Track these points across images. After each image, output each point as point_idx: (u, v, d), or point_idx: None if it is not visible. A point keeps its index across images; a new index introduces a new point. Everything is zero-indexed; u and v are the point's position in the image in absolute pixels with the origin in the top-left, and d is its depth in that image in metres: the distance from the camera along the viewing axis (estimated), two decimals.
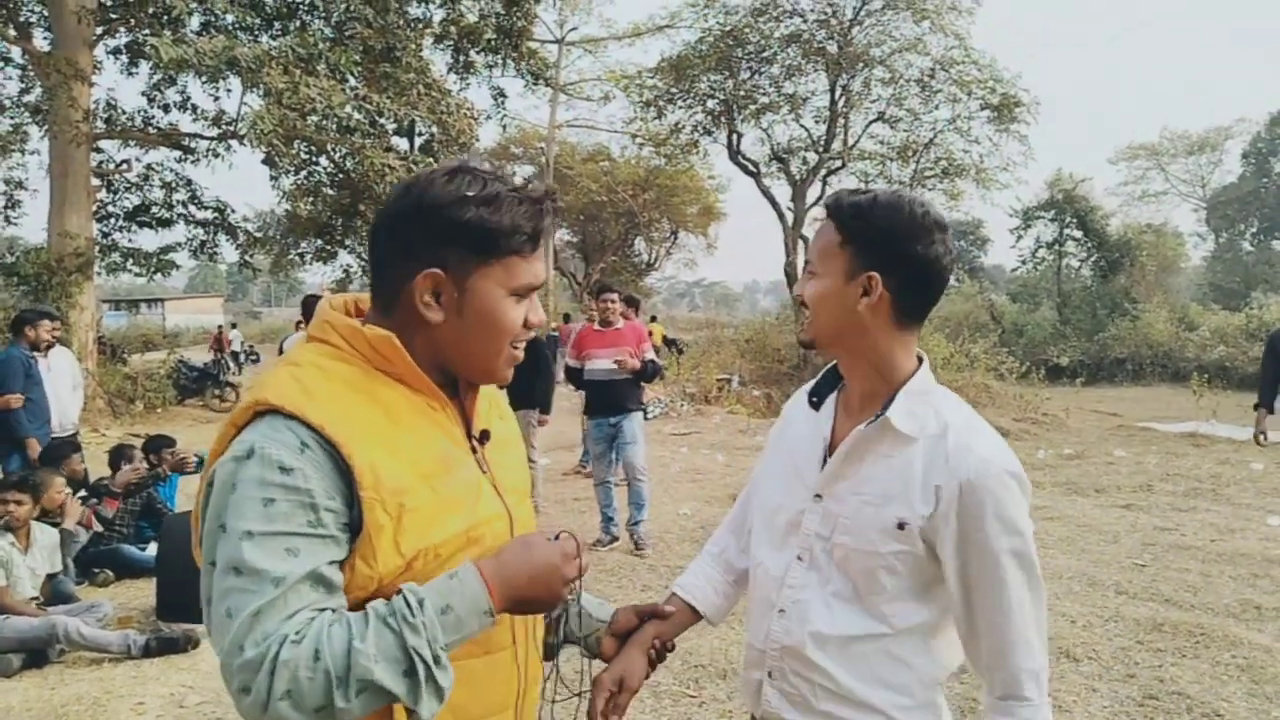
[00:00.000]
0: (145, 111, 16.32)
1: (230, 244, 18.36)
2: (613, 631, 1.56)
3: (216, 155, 16.29)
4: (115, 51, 15.76)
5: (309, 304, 8.28)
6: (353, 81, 14.41)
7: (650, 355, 6.72)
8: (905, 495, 1.40)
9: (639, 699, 4.04)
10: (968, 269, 38.91)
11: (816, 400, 1.60)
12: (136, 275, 17.97)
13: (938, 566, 1.41)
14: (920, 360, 1.50)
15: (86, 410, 8.72)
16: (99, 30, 14.00)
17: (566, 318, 25.03)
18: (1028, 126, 19.48)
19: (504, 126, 21.77)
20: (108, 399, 14.43)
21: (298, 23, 15.06)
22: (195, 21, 14.23)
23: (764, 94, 20.02)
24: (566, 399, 11.87)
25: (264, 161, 16.27)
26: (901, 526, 1.40)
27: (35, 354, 6.44)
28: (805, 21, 19.31)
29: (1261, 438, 6.55)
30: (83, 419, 7.76)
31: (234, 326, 33.87)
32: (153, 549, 5.89)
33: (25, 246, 15.74)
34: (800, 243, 20.19)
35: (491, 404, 1.42)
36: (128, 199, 17.11)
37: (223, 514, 1.07)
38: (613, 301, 6.74)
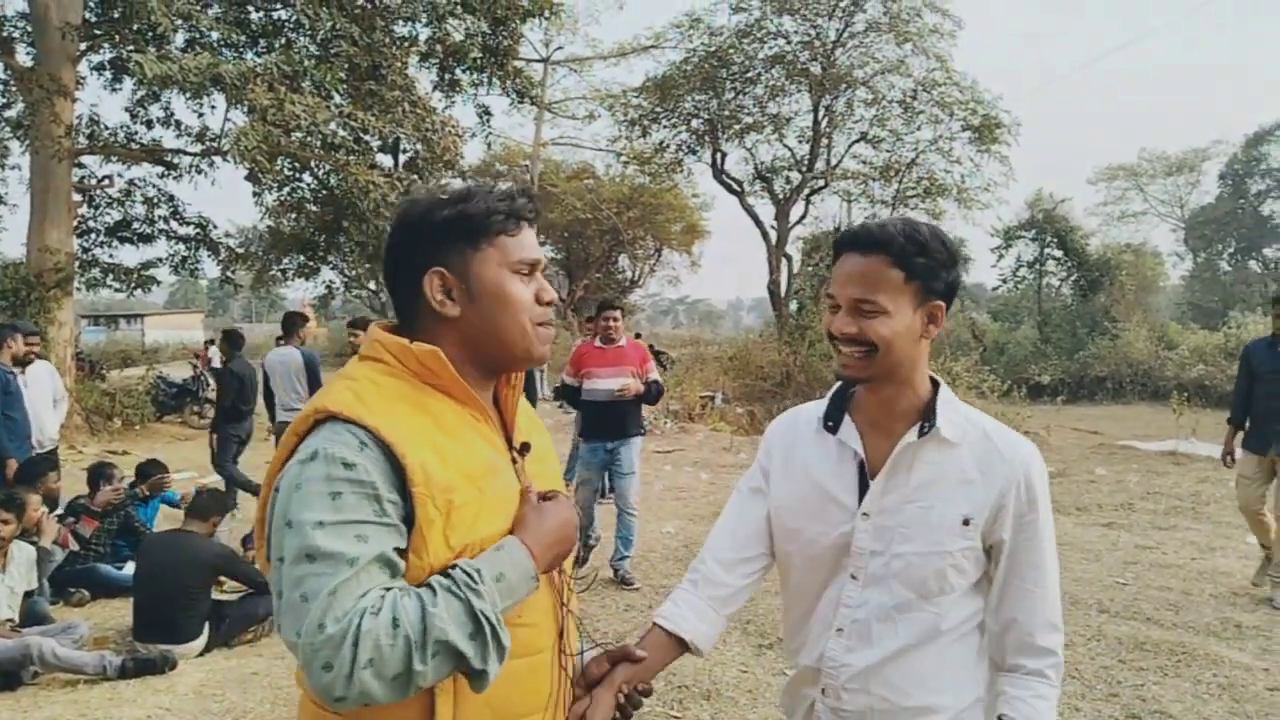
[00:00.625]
0: (128, 127, 16.22)
1: (212, 260, 18.22)
2: (585, 683, 1.49)
3: (199, 171, 16.21)
4: (99, 67, 15.67)
5: (290, 320, 8.24)
6: (337, 99, 14.39)
7: (655, 376, 6.39)
8: (967, 493, 1.53)
9: None
10: None
11: (832, 425, 1.63)
12: (116, 291, 17.83)
13: (987, 555, 1.56)
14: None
15: (64, 427, 8.61)
16: (83, 46, 13.92)
17: None
18: (1008, 147, 19.71)
19: (489, 144, 21.77)
20: (85, 416, 14.28)
21: (283, 40, 15.02)
22: (180, 38, 14.18)
23: (748, 114, 20.19)
24: (548, 415, 11.82)
25: (247, 178, 16.18)
26: (967, 522, 1.52)
27: (14, 370, 6.36)
28: (789, 43, 19.53)
29: (1229, 458, 6.16)
30: (61, 435, 7.65)
31: (213, 343, 33.61)
32: (130, 568, 5.80)
33: (4, 261, 15.59)
34: (784, 261, 20.30)
35: (531, 419, 1.53)
36: (109, 214, 16.98)
37: (289, 512, 1.15)
38: (615, 319, 6.37)
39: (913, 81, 19.53)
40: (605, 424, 6.24)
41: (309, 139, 14.39)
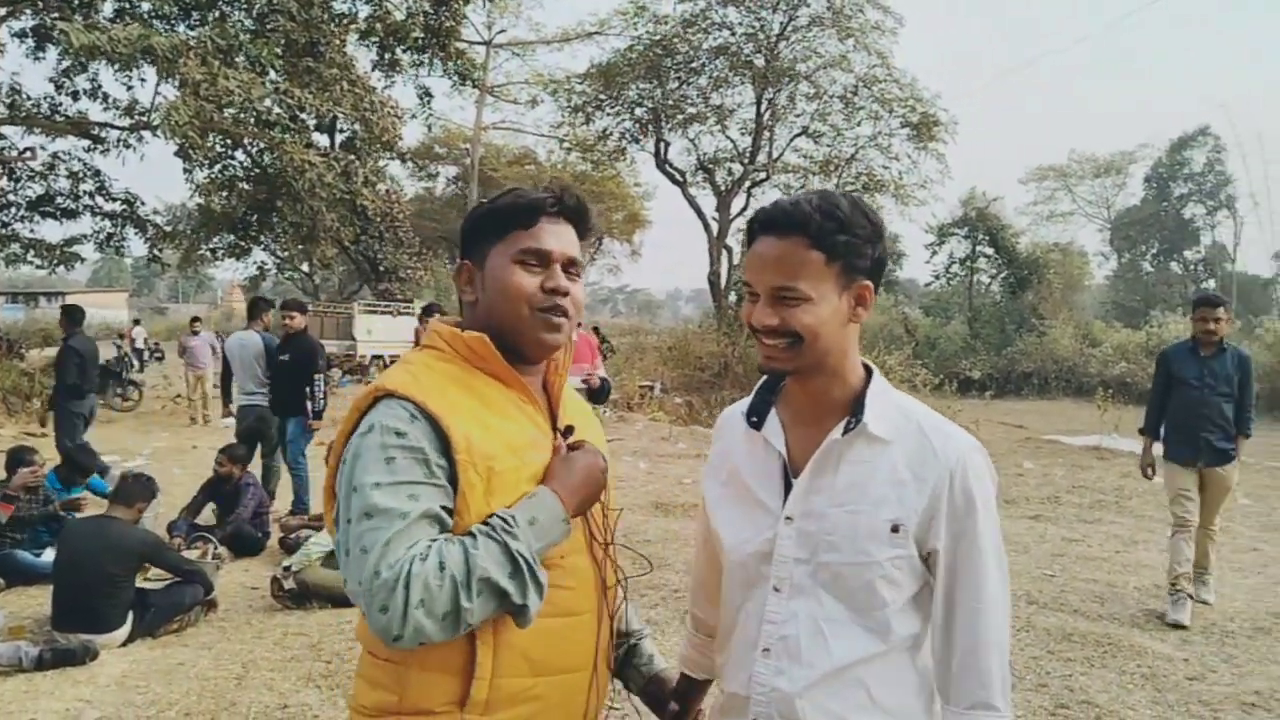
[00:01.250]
0: (52, 98, 15.58)
1: (139, 237, 17.64)
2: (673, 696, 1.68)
3: (127, 146, 15.61)
4: (20, 34, 15.01)
5: (255, 305, 8.03)
6: (273, 75, 14.02)
7: (603, 371, 5.96)
8: (897, 495, 1.36)
9: None
10: (884, 282, 39.83)
11: (756, 420, 1.50)
12: (38, 267, 17.19)
13: (925, 566, 1.40)
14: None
15: None
16: (2, 11, 13.35)
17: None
18: (945, 145, 20.06)
19: (429, 126, 21.48)
20: (3, 396, 13.76)
21: (217, 13, 14.55)
22: (109, 7, 13.69)
23: (691, 104, 20.21)
24: None
25: (177, 154, 15.68)
26: (896, 529, 1.36)
27: None
28: (734, 35, 19.58)
29: (1149, 470, 5.75)
30: None
31: (137, 323, 32.61)
32: (49, 555, 5.58)
33: None
34: (724, 252, 20.40)
35: (580, 409, 1.65)
36: (30, 188, 16.35)
37: (353, 478, 1.27)
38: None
39: (854, 77, 19.75)
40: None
41: (243, 115, 14.01)
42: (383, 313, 24.85)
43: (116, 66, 13.30)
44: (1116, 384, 21.72)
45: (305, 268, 32.06)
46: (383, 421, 1.30)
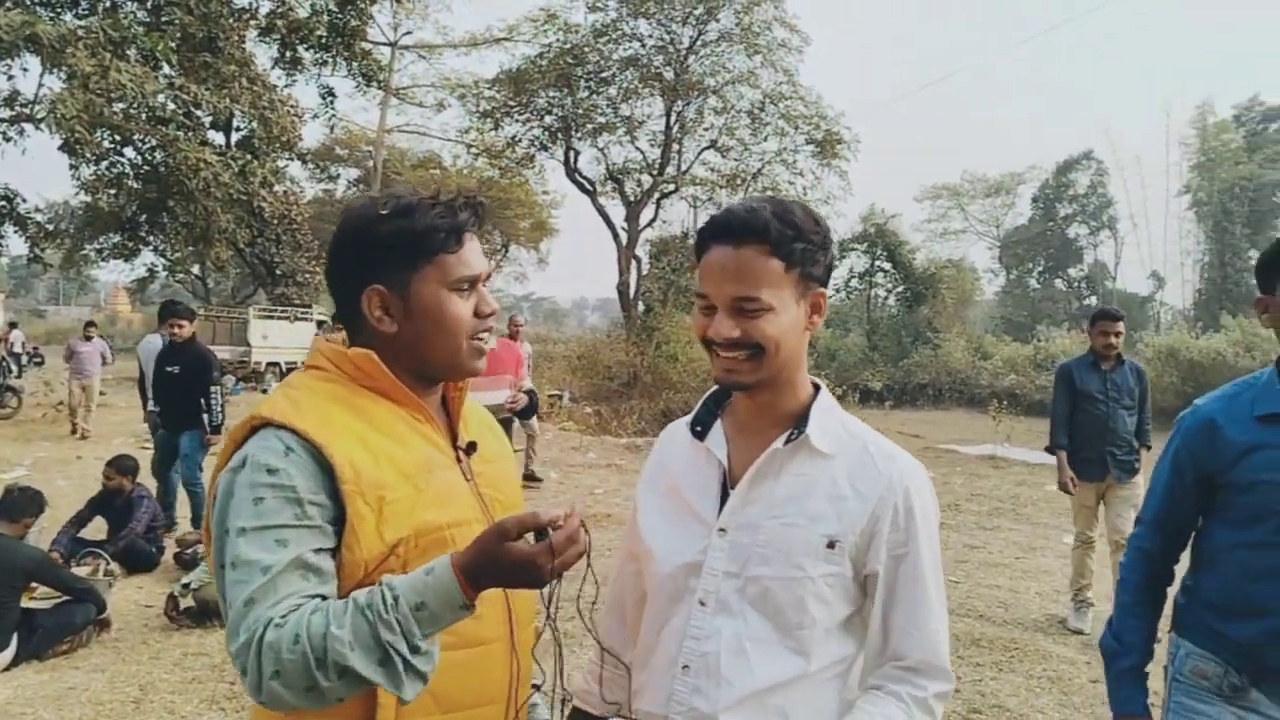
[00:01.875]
0: None
1: (18, 235, 16.70)
2: None
3: (7, 139, 14.79)
4: None
5: (168, 310, 7.37)
6: (168, 69, 13.47)
7: (529, 384, 5.36)
8: (836, 511, 1.33)
9: None
10: None
11: (701, 430, 1.46)
12: None
13: (861, 593, 1.36)
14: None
15: None
16: None
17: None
18: (848, 162, 20.59)
19: (331, 127, 20.95)
20: None
21: (108, 3, 13.92)
22: None
23: (601, 114, 20.25)
24: None
25: (62, 148, 14.86)
26: (832, 545, 1.32)
27: None
28: (644, 46, 19.72)
29: (1073, 483, 5.50)
30: None
31: (15, 326, 30.80)
32: None
33: None
34: (633, 262, 20.47)
35: (483, 422, 1.54)
36: None
37: (224, 520, 1.18)
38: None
39: (761, 94, 20.11)
40: None
41: (135, 110, 13.45)
42: (279, 318, 24.08)
43: None
44: (1007, 395, 22.58)
45: (197, 270, 30.87)
46: (255, 456, 1.19)
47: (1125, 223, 43.08)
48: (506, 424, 5.00)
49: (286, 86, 18.09)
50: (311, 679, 1.07)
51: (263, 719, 1.26)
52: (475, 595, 1.15)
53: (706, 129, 20.78)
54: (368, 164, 32.44)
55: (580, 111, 19.87)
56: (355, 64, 17.55)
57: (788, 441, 1.35)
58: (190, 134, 14.71)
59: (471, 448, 1.41)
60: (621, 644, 1.60)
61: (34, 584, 4.90)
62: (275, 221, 23.72)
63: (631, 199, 20.97)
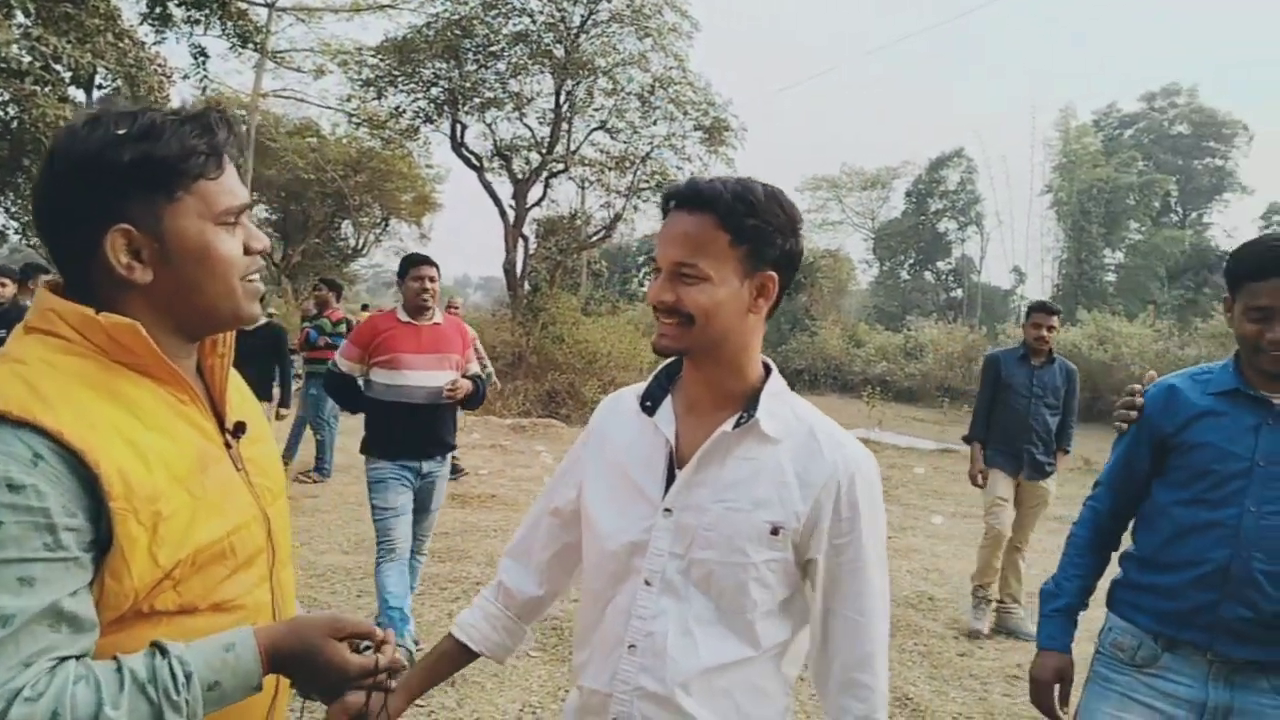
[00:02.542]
0: None
1: None
2: None
3: None
4: None
5: (27, 271, 6.86)
6: (23, 19, 12.53)
7: (476, 367, 4.75)
8: (780, 497, 1.34)
9: None
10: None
11: (651, 405, 1.45)
12: None
13: (801, 576, 1.38)
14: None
15: None
16: None
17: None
18: (734, 150, 20.85)
19: (203, 89, 19.91)
20: None
21: None
22: None
23: (489, 88, 19.90)
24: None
25: None
26: (776, 531, 1.33)
27: None
28: (534, 22, 19.45)
29: (980, 478, 5.36)
30: None
31: None
32: None
33: None
34: (520, 240, 20.27)
35: (241, 392, 1.30)
36: None
37: None
38: (432, 279, 4.44)
39: (651, 77, 20.12)
40: (415, 436, 4.37)
41: None
42: None
43: None
44: (879, 381, 23.47)
45: None
46: None
47: (991, 219, 45.05)
48: (452, 412, 4.56)
49: (155, 44, 17.11)
50: None
51: None
52: (265, 675, 1.06)
53: (596, 110, 20.68)
54: (240, 128, 30.64)
55: (468, 85, 19.46)
56: (230, 24, 16.76)
57: (737, 425, 1.35)
58: (49, 89, 13.74)
59: (240, 429, 1.21)
60: (518, 583, 1.60)
61: None
62: None
63: (519, 176, 20.70)
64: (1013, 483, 5.29)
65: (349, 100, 21.66)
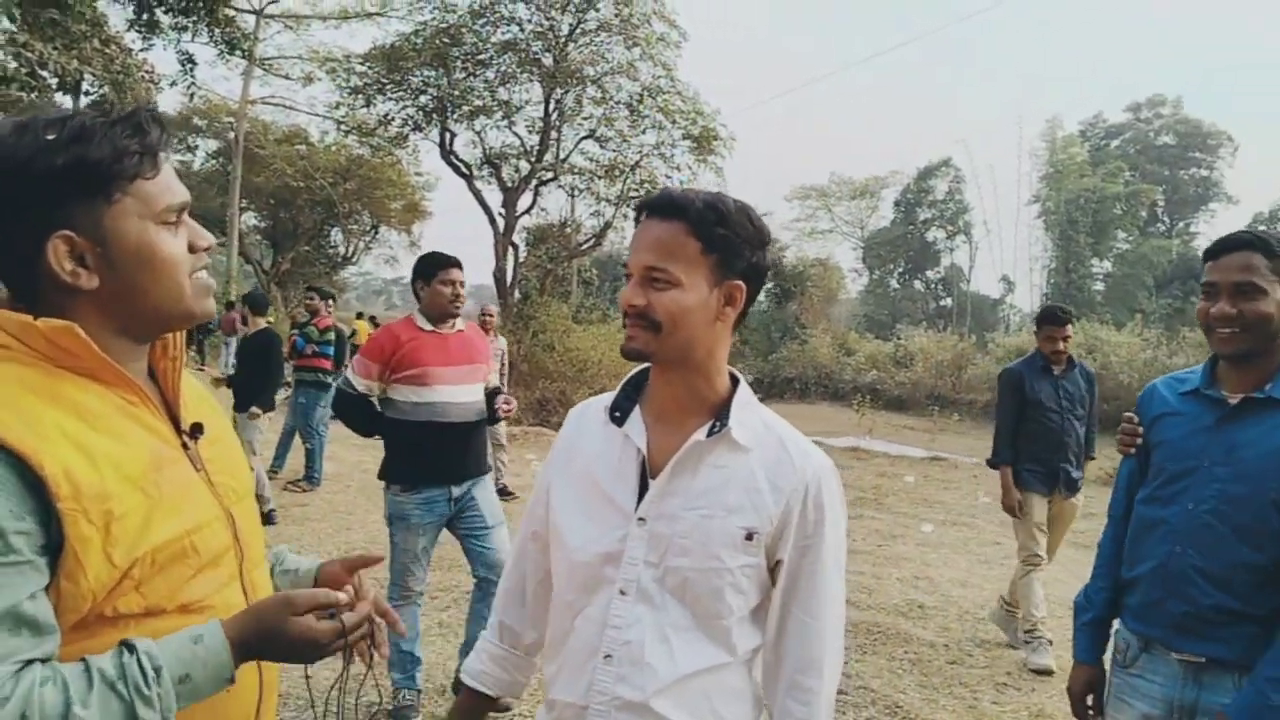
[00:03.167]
0: None
1: None
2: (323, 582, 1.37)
3: None
4: None
5: None
6: (9, 24, 12.49)
7: (496, 378, 4.43)
8: (753, 503, 1.36)
9: None
10: None
11: (620, 415, 1.45)
12: None
13: (771, 577, 1.40)
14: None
15: None
16: None
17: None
18: (723, 159, 20.89)
19: (190, 95, 19.87)
20: None
21: None
22: None
23: (478, 96, 19.89)
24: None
25: None
26: (750, 537, 1.36)
27: None
28: (522, 31, 19.48)
29: (1020, 507, 4.93)
30: None
31: None
32: None
33: None
34: (510, 249, 20.25)
35: (197, 394, 1.30)
36: None
37: None
38: (460, 282, 3.96)
39: (640, 86, 20.15)
40: (447, 459, 3.87)
41: None
42: None
43: None
44: (869, 390, 23.49)
45: None
46: None
47: (980, 228, 45.41)
48: (484, 430, 4.13)
49: (143, 51, 17.10)
50: None
51: None
52: (238, 666, 1.07)
53: (585, 118, 20.68)
54: (228, 135, 30.84)
55: (456, 93, 19.45)
56: (217, 30, 16.71)
57: (710, 434, 1.37)
58: (35, 95, 13.69)
59: (197, 430, 1.22)
60: (520, 623, 1.60)
61: None
62: None
63: (509, 184, 20.68)
64: (1046, 503, 4.99)
65: (337, 108, 21.60)
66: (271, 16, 28.50)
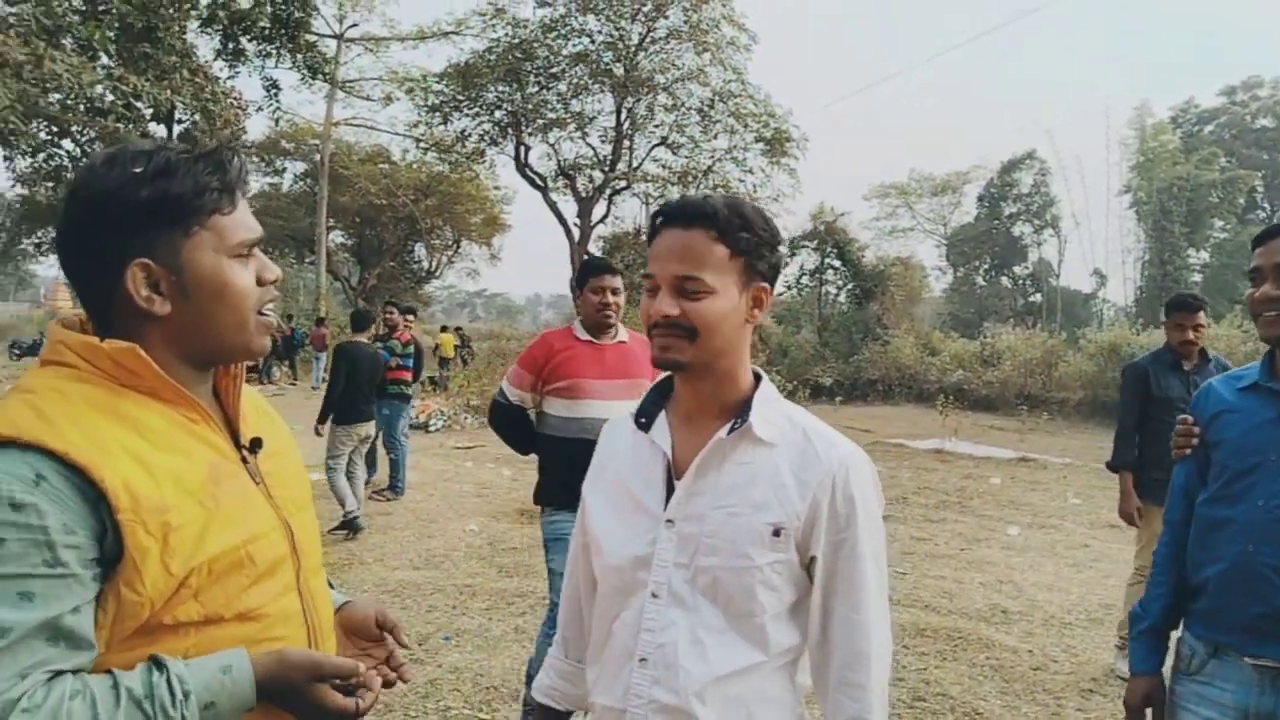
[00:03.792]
0: None
1: None
2: (345, 628, 1.40)
3: None
4: None
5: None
6: (106, 60, 13.16)
7: None
8: (779, 498, 1.34)
9: None
10: None
11: (645, 421, 1.46)
12: None
13: (808, 577, 1.37)
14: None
15: None
16: None
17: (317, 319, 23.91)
18: (796, 160, 20.75)
19: (276, 120, 20.67)
20: None
21: None
22: None
23: (551, 109, 20.20)
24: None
25: None
26: (778, 533, 1.34)
27: None
28: (593, 42, 19.71)
29: (1137, 515, 4.52)
30: None
31: None
32: None
33: None
34: (586, 258, 20.48)
35: (260, 410, 1.35)
36: None
37: None
38: (617, 290, 3.69)
39: (710, 91, 20.18)
40: None
41: (72, 101, 13.11)
42: None
43: None
44: (954, 390, 22.92)
45: None
46: None
47: (1068, 221, 43.66)
48: None
49: (230, 78, 17.84)
50: None
51: None
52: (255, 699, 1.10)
53: (657, 126, 20.85)
54: (314, 157, 31.85)
55: (530, 107, 19.79)
56: (300, 56, 17.32)
57: (731, 431, 1.36)
58: (131, 126, 14.40)
59: (256, 444, 1.25)
60: (579, 635, 1.62)
61: None
62: None
63: (583, 195, 20.94)
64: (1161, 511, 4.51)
65: (416, 126, 22.19)
66: (352, 40, 29.36)
